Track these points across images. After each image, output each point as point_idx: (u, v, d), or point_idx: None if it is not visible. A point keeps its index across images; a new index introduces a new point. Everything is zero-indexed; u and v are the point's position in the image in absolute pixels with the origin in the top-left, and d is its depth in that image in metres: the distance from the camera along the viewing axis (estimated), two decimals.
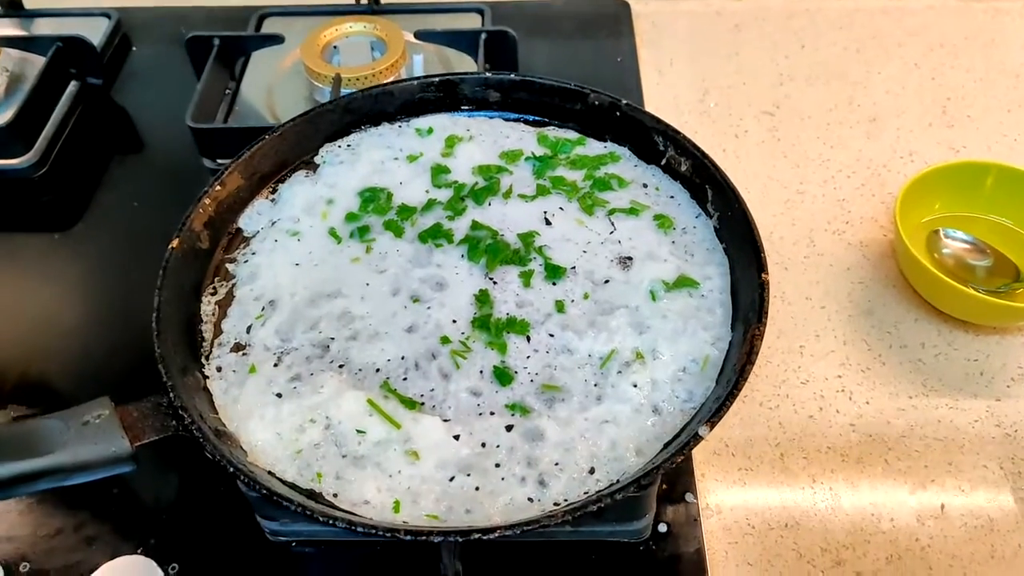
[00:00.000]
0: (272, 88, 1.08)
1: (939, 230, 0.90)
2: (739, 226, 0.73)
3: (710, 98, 1.13)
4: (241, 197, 0.80)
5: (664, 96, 1.14)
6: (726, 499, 0.76)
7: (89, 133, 1.08)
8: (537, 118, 0.88)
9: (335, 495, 0.61)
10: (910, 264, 0.86)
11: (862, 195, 1.00)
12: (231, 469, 0.58)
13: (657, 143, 0.82)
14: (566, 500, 0.60)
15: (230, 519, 0.73)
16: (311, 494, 0.61)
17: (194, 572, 0.70)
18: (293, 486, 0.61)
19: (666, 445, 0.63)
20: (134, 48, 1.20)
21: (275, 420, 0.64)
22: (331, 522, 0.55)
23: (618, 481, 0.61)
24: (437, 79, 0.87)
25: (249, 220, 0.79)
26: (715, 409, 0.60)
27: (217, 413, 0.65)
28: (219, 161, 0.99)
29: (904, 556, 0.72)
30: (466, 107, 0.89)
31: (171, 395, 0.61)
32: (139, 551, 0.70)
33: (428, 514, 0.59)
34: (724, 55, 1.20)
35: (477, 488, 0.61)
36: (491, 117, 0.88)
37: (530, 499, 0.60)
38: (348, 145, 0.86)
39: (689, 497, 0.74)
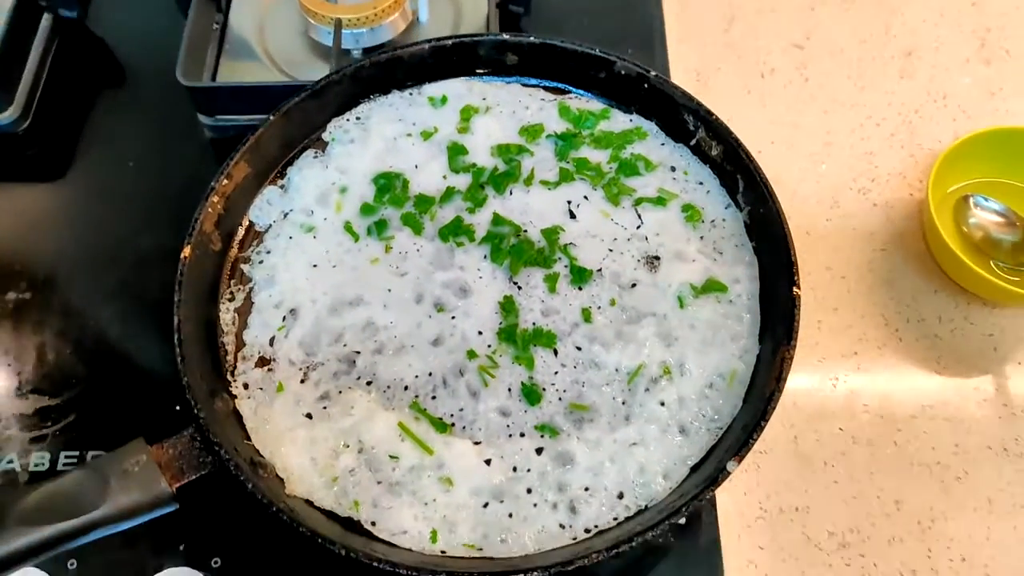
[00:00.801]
0: (263, 23, 1.00)
1: (969, 197, 0.87)
2: (771, 227, 0.71)
3: (736, 28, 1.06)
4: (249, 187, 0.77)
5: (688, 26, 1.06)
6: (741, 484, 0.78)
7: (69, 74, 1.01)
8: (557, 84, 0.83)
9: (373, 523, 0.63)
10: (933, 236, 0.84)
11: (891, 147, 0.97)
12: (273, 509, 0.59)
13: (687, 122, 0.78)
14: (596, 526, 0.63)
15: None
16: (349, 522, 0.63)
17: (237, 564, 0.73)
18: (331, 514, 0.63)
19: (693, 468, 0.65)
20: None
21: (308, 444, 0.65)
22: (375, 564, 0.58)
23: (646, 507, 0.63)
24: (451, 43, 0.81)
25: (260, 212, 0.76)
26: (744, 440, 0.62)
27: (250, 438, 0.66)
28: (218, 118, 0.93)
29: (906, 539, 0.76)
30: (481, 70, 0.83)
31: (205, 430, 0.61)
32: (180, 547, 0.73)
33: (465, 543, 0.62)
34: None
35: (510, 515, 0.63)
36: (508, 82, 0.83)
37: (561, 525, 0.63)
38: (357, 118, 0.81)
39: None
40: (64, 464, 0.78)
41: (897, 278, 0.89)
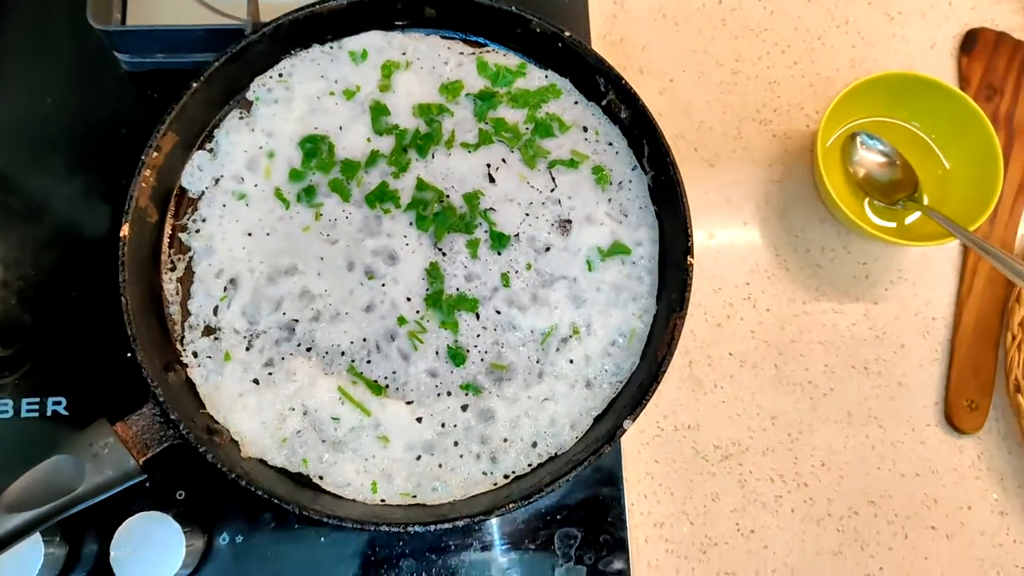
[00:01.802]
0: None
1: (857, 135, 0.94)
2: (671, 195, 0.78)
3: None
4: (178, 154, 0.79)
5: None
6: None
7: None
8: (476, 38, 0.85)
9: (321, 478, 0.73)
10: (817, 175, 0.92)
11: (792, 76, 1.02)
12: (231, 476, 0.68)
13: (599, 83, 0.82)
14: (513, 472, 0.74)
15: None
16: (299, 477, 0.73)
17: (200, 494, 0.82)
18: (283, 471, 0.73)
19: (596, 419, 0.76)
20: None
21: (258, 409, 0.73)
22: (325, 520, 0.68)
23: (556, 454, 0.74)
24: None
25: (191, 178, 0.79)
26: (639, 399, 0.72)
27: (204, 406, 0.73)
28: (135, 59, 0.92)
29: (777, 449, 0.90)
30: (399, 22, 0.84)
31: (163, 406, 0.69)
32: (146, 484, 0.82)
33: (402, 492, 0.72)
34: None
35: (440, 465, 0.73)
36: (427, 35, 0.84)
37: (484, 473, 0.74)
38: (280, 75, 0.82)
39: None
40: (27, 411, 0.84)
41: (789, 209, 0.97)
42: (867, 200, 0.94)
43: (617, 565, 0.84)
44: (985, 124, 0.88)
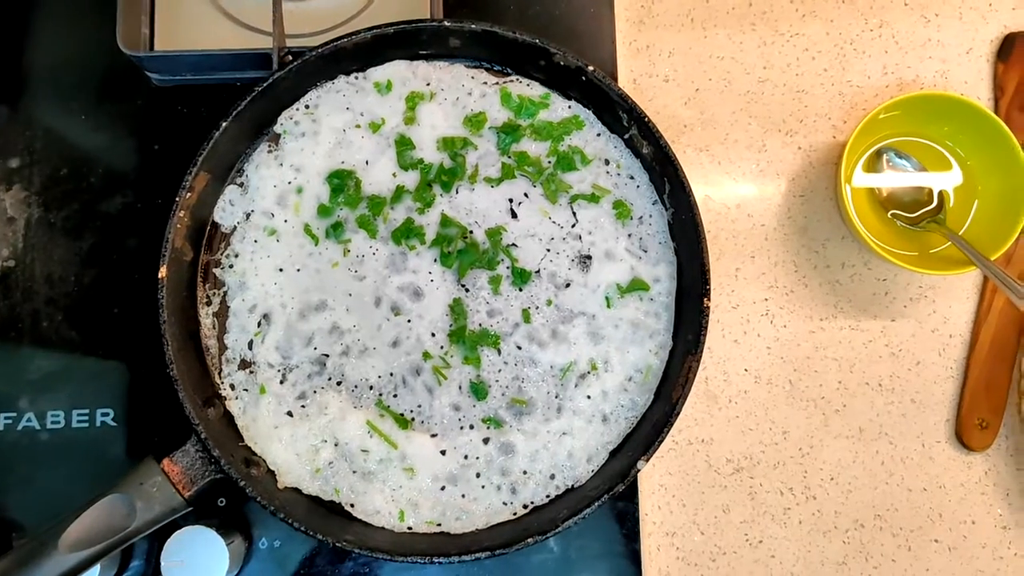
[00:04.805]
0: None
1: (884, 153, 0.94)
2: (691, 234, 0.79)
3: None
4: (211, 191, 0.81)
5: None
6: None
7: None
8: (499, 67, 0.85)
9: (352, 505, 0.78)
10: (839, 192, 0.92)
11: (822, 84, 1.01)
12: (270, 510, 0.73)
13: (622, 118, 0.82)
14: (532, 503, 0.78)
15: None
16: (332, 504, 0.78)
17: (239, 502, 0.88)
18: (317, 499, 0.78)
19: (612, 452, 0.79)
20: None
21: (292, 441, 0.78)
22: (357, 551, 0.73)
23: (573, 487, 0.79)
24: (392, 31, 0.81)
25: (223, 213, 0.82)
26: (652, 439, 0.76)
27: (242, 437, 0.78)
28: (164, 77, 0.93)
29: (788, 463, 0.94)
30: (424, 51, 0.84)
31: (206, 444, 0.73)
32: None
33: (427, 521, 0.77)
34: None
35: (463, 496, 0.78)
36: (451, 63, 0.85)
37: (504, 503, 0.78)
38: (307, 107, 0.83)
39: None
40: (77, 421, 0.90)
41: (811, 225, 0.98)
42: (890, 215, 0.93)
43: (630, 572, 0.89)
44: (1016, 150, 0.87)
